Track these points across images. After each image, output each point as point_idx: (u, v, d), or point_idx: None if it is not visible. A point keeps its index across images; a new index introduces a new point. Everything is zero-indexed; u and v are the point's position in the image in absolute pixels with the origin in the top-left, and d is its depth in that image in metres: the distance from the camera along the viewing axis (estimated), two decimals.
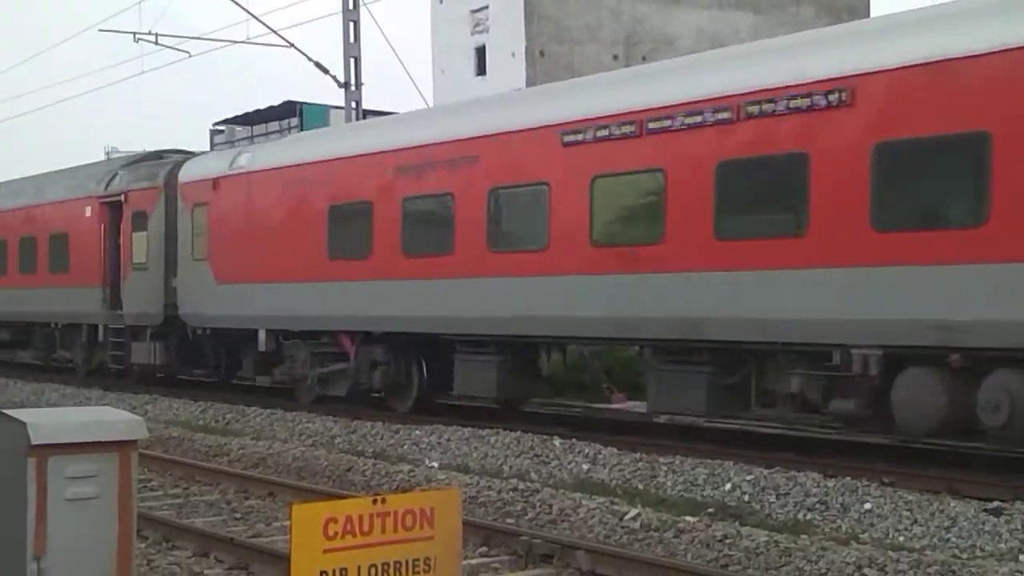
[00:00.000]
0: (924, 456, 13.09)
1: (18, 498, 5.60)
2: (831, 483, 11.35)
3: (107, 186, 24.28)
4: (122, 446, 5.88)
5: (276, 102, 44.07)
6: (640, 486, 12.26)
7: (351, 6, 27.55)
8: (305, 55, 27.84)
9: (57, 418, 6.17)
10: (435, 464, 14.03)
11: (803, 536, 9.58)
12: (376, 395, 18.82)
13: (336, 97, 29.78)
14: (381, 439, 15.89)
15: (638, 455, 13.29)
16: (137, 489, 6.05)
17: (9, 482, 5.71)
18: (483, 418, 16.82)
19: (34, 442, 5.59)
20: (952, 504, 10.48)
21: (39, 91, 75.17)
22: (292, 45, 28.13)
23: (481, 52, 48.84)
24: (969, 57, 11.18)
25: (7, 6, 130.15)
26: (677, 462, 12.79)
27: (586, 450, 13.74)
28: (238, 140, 36.38)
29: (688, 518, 10.25)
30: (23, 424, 5.64)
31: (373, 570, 4.77)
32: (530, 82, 41.05)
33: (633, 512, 10.46)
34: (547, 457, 13.79)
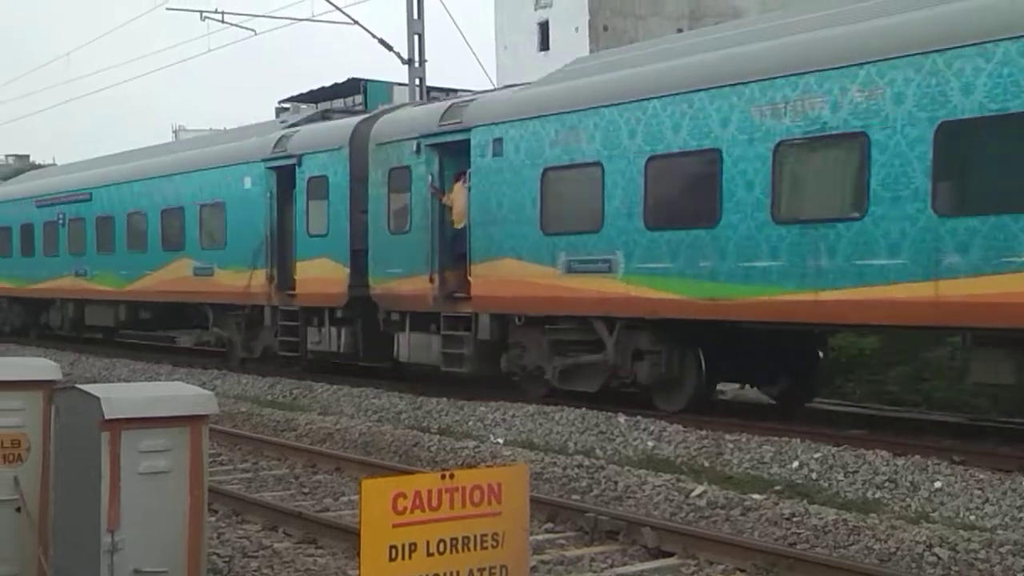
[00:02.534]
0: (995, 434, 12.89)
1: (92, 472, 5.68)
2: (900, 461, 11.23)
3: None
4: (193, 420, 5.94)
5: (341, 79, 44.11)
6: (706, 463, 12.20)
7: None
8: (369, 32, 27.90)
9: (130, 393, 6.24)
10: (500, 440, 14.06)
11: (872, 514, 9.50)
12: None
13: (400, 74, 29.85)
14: (446, 415, 15.96)
15: (704, 432, 13.23)
16: (207, 463, 6.11)
17: (83, 456, 5.79)
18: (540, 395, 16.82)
19: (108, 416, 5.65)
20: None
21: (107, 70, 76.22)
22: (356, 22, 28.18)
23: (544, 27, 48.66)
24: None
25: None
26: (743, 440, 12.71)
27: (651, 427, 13.70)
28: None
29: (755, 496, 10.20)
30: (97, 399, 5.71)
31: (441, 545, 4.78)
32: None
33: (699, 489, 10.43)
34: (612, 434, 13.76)
